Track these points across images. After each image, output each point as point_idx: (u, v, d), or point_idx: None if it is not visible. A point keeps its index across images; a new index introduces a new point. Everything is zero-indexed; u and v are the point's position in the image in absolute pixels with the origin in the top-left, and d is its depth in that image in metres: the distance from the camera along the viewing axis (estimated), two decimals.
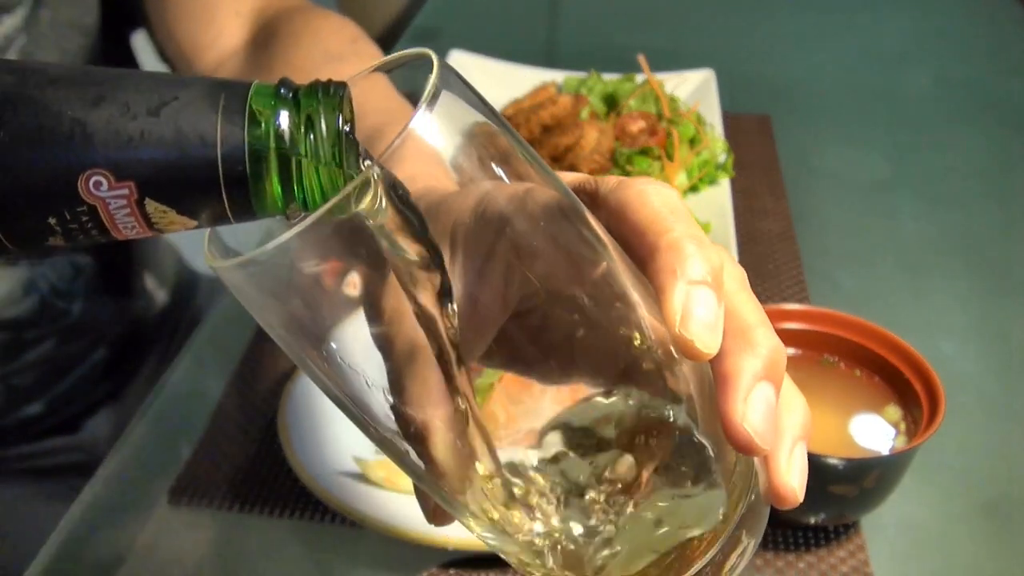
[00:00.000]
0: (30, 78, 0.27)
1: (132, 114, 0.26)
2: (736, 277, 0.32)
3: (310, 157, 0.27)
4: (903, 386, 0.65)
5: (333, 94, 0.28)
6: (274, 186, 0.28)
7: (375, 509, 0.61)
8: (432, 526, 0.36)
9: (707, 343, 0.28)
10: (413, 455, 0.31)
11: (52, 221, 0.27)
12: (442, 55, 1.19)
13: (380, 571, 0.63)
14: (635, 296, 0.30)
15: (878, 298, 0.90)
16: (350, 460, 0.64)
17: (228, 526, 0.65)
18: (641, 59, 1.09)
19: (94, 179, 0.26)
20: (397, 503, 0.61)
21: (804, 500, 0.65)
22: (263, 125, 0.27)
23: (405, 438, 0.30)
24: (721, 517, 0.32)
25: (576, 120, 1.02)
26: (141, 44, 0.86)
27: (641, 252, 0.30)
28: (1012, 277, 0.94)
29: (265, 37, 0.73)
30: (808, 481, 0.60)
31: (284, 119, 0.27)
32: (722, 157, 0.99)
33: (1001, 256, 0.98)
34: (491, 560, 0.60)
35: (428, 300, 0.29)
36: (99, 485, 0.68)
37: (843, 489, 0.60)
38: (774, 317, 0.69)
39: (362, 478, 0.63)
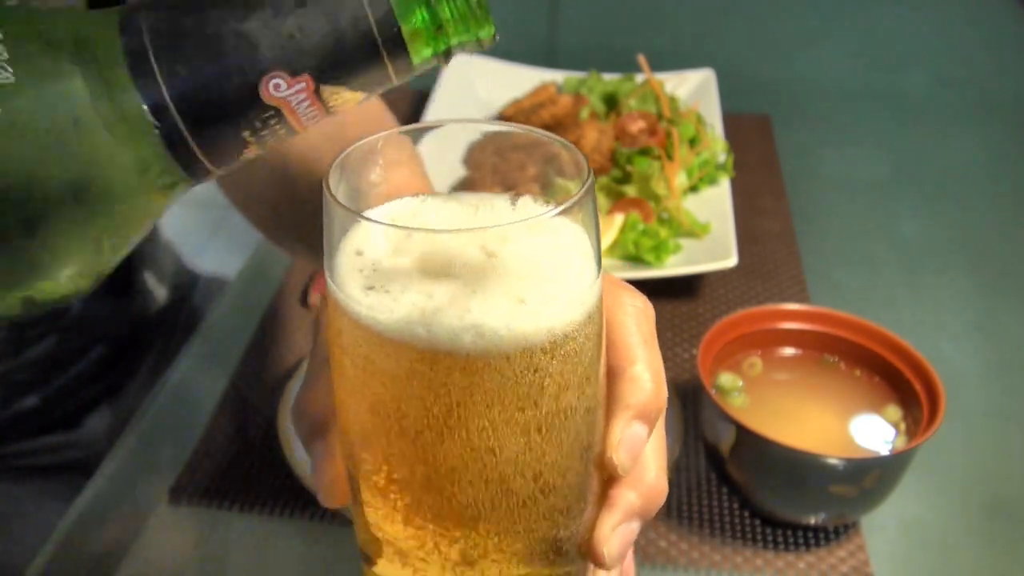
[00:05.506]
0: (180, 10, 0.28)
1: (283, 12, 0.28)
2: (662, 415, 0.40)
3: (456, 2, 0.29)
4: (903, 386, 0.65)
5: None
6: (426, 37, 0.29)
7: None
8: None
9: (626, 469, 0.37)
10: None
11: (246, 134, 0.29)
12: None
13: None
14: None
15: (878, 298, 0.90)
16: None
17: (228, 526, 0.65)
18: (641, 59, 1.09)
19: (273, 82, 0.28)
20: None
21: (804, 500, 0.65)
22: None
23: None
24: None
25: (576, 120, 1.02)
26: None
27: (608, 363, 0.38)
28: (1012, 277, 0.94)
29: None
30: (808, 481, 0.60)
31: None
32: (722, 157, 0.99)
33: (1001, 256, 0.98)
34: None
35: None
36: (99, 484, 0.68)
37: (843, 489, 0.60)
38: (774, 317, 0.69)
39: None
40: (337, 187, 0.33)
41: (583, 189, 0.33)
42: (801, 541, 0.63)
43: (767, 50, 1.43)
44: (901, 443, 0.62)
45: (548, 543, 0.37)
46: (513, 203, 0.37)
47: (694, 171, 0.96)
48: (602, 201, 0.93)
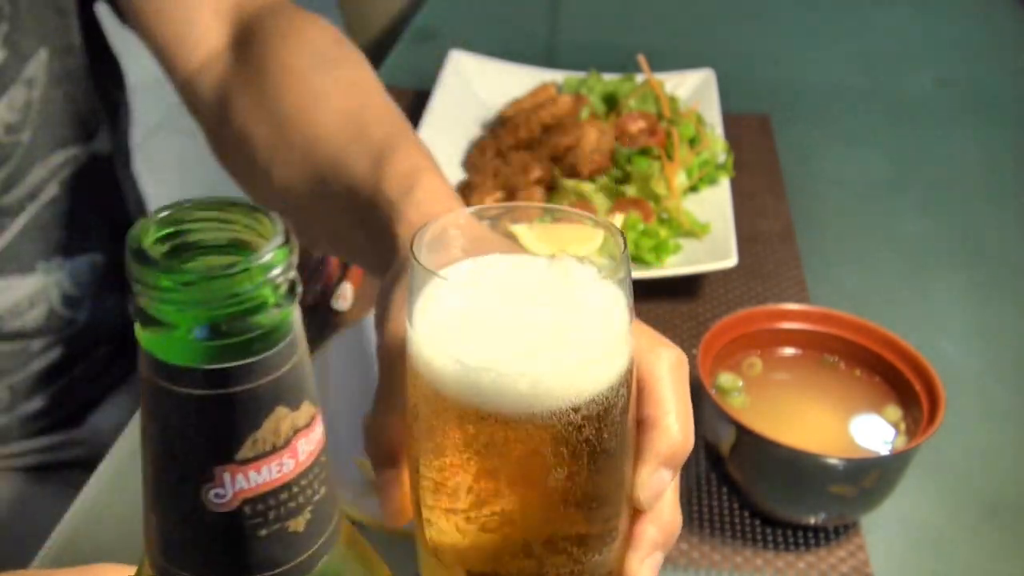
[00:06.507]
0: None
1: None
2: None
3: None
4: (903, 386, 0.65)
5: None
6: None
7: (375, 509, 0.61)
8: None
9: (650, 506, 0.43)
10: None
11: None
12: (442, 55, 1.19)
13: None
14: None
15: (878, 298, 0.90)
16: (350, 461, 0.64)
17: None
18: (641, 59, 1.09)
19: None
20: None
21: (804, 500, 0.65)
22: None
23: None
24: None
25: (576, 120, 1.02)
26: (104, 12, 0.86)
27: (643, 412, 0.43)
28: (1012, 277, 0.94)
29: (248, 36, 0.73)
30: (808, 481, 0.60)
31: None
32: (722, 157, 0.99)
33: (1001, 256, 0.98)
34: None
35: None
36: (101, 482, 0.69)
37: (843, 489, 0.60)
38: (774, 317, 0.69)
39: (362, 478, 0.63)
40: (420, 251, 0.40)
41: (621, 256, 0.39)
42: (801, 541, 0.63)
43: (767, 50, 1.43)
44: (901, 443, 0.62)
45: (587, 570, 0.42)
46: (549, 262, 0.43)
47: (694, 171, 0.96)
48: (602, 201, 0.93)
